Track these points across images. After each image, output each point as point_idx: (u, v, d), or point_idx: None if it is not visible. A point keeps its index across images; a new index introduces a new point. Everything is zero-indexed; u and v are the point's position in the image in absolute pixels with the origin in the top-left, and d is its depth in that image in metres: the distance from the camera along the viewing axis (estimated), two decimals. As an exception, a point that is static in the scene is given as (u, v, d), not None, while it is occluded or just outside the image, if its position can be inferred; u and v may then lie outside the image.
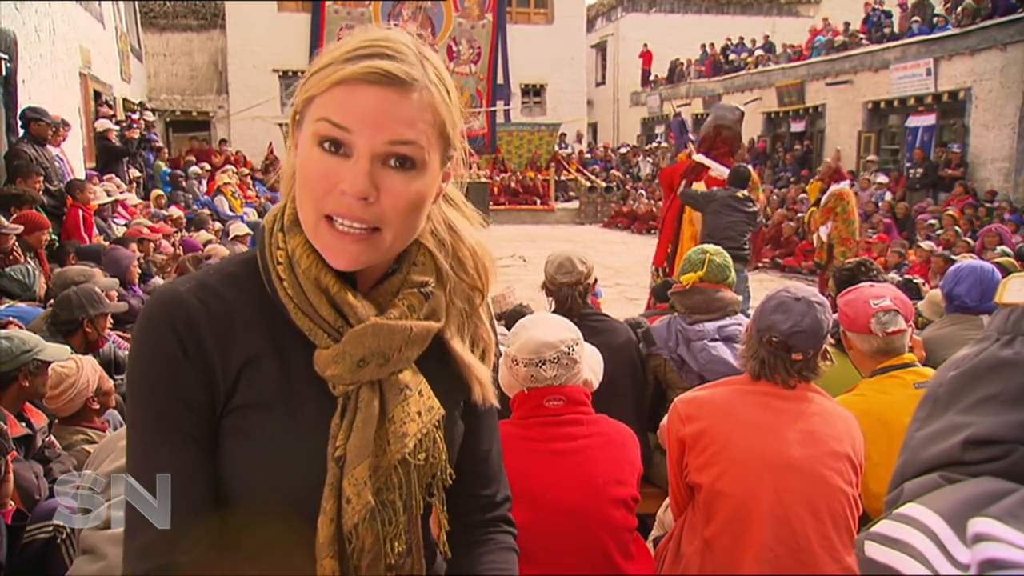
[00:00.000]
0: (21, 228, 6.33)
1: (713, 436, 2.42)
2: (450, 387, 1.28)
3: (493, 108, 27.05)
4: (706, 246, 4.03)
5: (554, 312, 3.47)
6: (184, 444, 1.12)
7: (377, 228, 1.11)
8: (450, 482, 1.26)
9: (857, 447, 2.44)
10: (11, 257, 6.03)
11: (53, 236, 7.21)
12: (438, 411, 1.23)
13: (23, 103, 8.69)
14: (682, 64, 29.12)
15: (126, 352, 5.22)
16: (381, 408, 1.17)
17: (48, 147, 8.69)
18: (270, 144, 23.41)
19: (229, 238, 10.58)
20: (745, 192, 7.76)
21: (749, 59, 25.33)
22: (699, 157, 8.43)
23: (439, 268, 1.25)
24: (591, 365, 2.59)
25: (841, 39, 20.78)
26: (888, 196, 15.87)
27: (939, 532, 0.88)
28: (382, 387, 1.18)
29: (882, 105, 18.63)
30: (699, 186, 8.16)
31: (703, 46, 28.34)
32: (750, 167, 8.57)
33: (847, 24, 21.80)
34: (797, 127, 22.31)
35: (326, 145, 1.09)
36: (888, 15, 19.99)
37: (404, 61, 1.11)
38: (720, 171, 8.18)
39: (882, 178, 16.59)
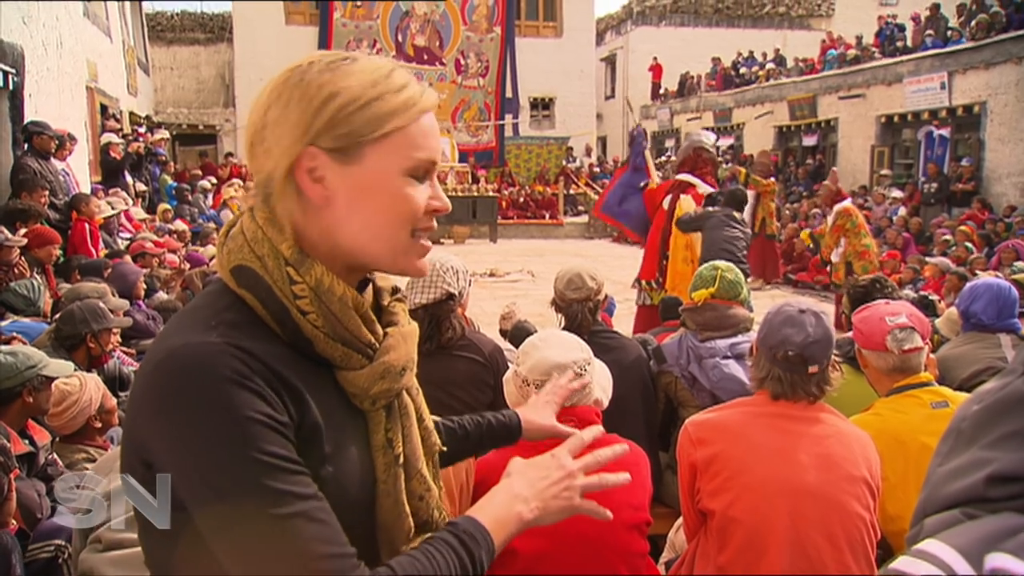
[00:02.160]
0: (25, 241, 6.29)
1: (726, 461, 2.37)
2: None
3: (501, 122, 27.12)
4: (718, 262, 3.98)
5: (564, 329, 3.42)
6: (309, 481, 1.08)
7: None
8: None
9: (874, 470, 2.39)
10: (16, 271, 5.99)
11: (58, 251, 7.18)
12: (423, 401, 1.35)
13: (30, 117, 8.66)
14: (692, 78, 29.07)
15: (132, 369, 5.16)
16: (415, 408, 1.29)
17: (53, 161, 8.63)
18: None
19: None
20: (739, 215, 7.94)
21: (760, 72, 25.24)
22: (685, 176, 8.44)
23: None
24: (601, 383, 2.53)
25: (853, 52, 20.72)
26: (902, 211, 15.76)
27: (956, 568, 0.84)
28: (408, 390, 1.27)
29: (895, 119, 18.54)
30: (686, 199, 8.14)
31: (714, 59, 28.26)
32: (746, 191, 8.74)
33: (859, 37, 21.76)
34: (809, 141, 22.18)
35: (414, 175, 1.18)
36: (901, 28, 19.95)
37: None
38: (705, 189, 8.26)
39: (896, 192, 16.49)
